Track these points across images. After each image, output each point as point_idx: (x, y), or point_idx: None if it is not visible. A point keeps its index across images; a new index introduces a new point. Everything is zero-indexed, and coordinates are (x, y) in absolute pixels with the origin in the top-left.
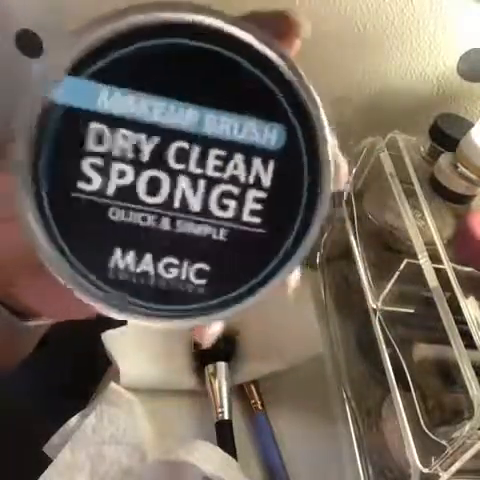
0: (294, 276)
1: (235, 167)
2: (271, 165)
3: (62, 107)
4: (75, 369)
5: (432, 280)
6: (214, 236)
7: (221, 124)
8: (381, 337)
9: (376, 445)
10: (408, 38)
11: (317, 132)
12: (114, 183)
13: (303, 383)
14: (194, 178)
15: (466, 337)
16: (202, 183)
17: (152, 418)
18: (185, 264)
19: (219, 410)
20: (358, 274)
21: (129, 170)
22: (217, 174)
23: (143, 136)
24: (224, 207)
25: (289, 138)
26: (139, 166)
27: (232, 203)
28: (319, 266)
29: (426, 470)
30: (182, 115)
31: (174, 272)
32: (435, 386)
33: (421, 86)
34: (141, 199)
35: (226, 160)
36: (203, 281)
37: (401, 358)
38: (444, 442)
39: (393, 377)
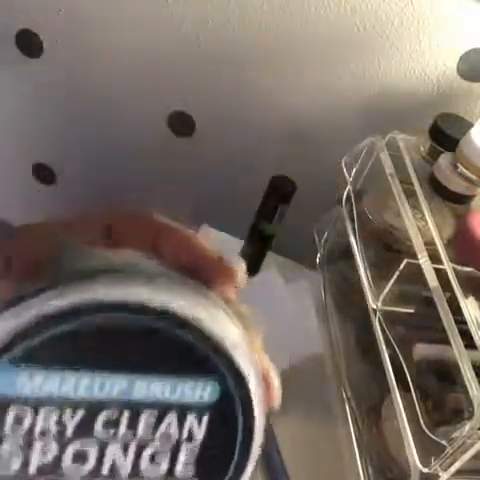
0: None
1: (168, 426)
2: (205, 419)
3: None
4: None
5: (432, 280)
6: None
7: (152, 388)
8: (381, 337)
9: (376, 445)
10: (408, 38)
11: (248, 384)
12: (36, 461)
13: (303, 383)
14: (124, 443)
15: (466, 337)
16: (133, 446)
17: None
18: None
19: None
20: (358, 274)
21: (53, 446)
22: (148, 435)
23: (67, 412)
24: (156, 465)
25: (222, 392)
26: (63, 441)
27: (164, 460)
28: (319, 266)
29: (426, 470)
30: (109, 385)
31: None
32: (435, 386)
33: (421, 86)
34: (66, 471)
35: (158, 421)
36: None
37: (401, 358)
38: (444, 442)
39: (393, 377)
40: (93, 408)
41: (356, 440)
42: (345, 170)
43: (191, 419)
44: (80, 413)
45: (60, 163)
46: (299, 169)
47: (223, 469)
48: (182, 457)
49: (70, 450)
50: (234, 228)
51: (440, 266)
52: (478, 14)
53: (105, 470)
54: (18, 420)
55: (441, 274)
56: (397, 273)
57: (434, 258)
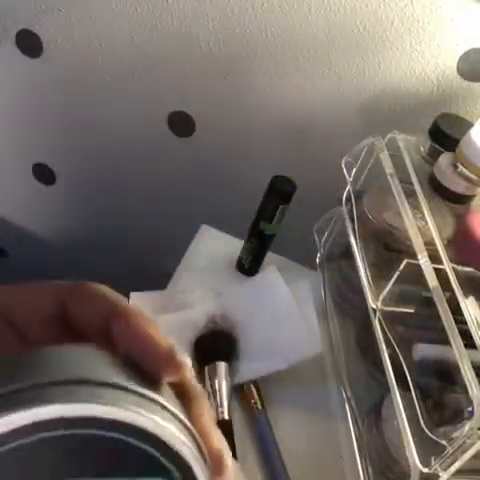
0: None
1: None
2: None
3: None
4: None
5: (432, 280)
6: None
7: None
8: (381, 337)
9: (376, 445)
10: (408, 38)
11: (193, 474)
12: None
13: (303, 383)
14: None
15: (466, 337)
16: None
17: None
18: None
19: (219, 410)
20: (358, 274)
21: None
22: None
23: None
24: None
25: None
26: None
27: None
28: (319, 266)
29: (426, 470)
30: None
31: None
32: (435, 386)
33: (421, 86)
34: None
35: None
36: None
37: (401, 358)
38: (444, 442)
39: (393, 377)
40: None
41: (356, 440)
42: (345, 170)
43: None
44: None
45: (60, 163)
46: (299, 169)
47: None
48: None
49: None
50: (234, 228)
51: (440, 266)
52: (478, 14)
53: None
54: None
55: (441, 274)
56: (397, 273)
57: (434, 258)
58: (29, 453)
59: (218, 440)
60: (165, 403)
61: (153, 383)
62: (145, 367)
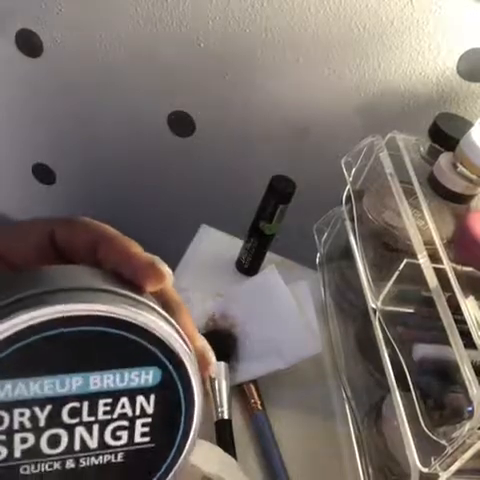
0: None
1: (122, 407)
2: (152, 397)
3: None
4: None
5: (432, 280)
6: (113, 460)
7: (104, 380)
8: (381, 337)
9: (376, 445)
10: (408, 38)
11: (184, 364)
12: (19, 449)
13: (303, 383)
14: (88, 425)
15: (466, 337)
16: (96, 427)
17: None
18: None
19: (219, 410)
20: (358, 274)
21: (30, 435)
22: (107, 416)
23: (37, 408)
24: (118, 437)
25: (163, 375)
26: (38, 430)
27: (124, 433)
28: (319, 266)
29: (426, 470)
30: (69, 384)
31: None
32: (435, 386)
33: (421, 86)
34: (45, 453)
35: (113, 404)
36: None
37: (401, 358)
38: (444, 442)
39: (393, 377)
40: (58, 402)
41: (356, 440)
42: (345, 170)
43: (140, 399)
44: (48, 408)
45: (60, 163)
46: (299, 169)
47: (172, 435)
48: (138, 429)
49: (45, 437)
50: (234, 228)
51: (440, 266)
52: (478, 14)
53: (77, 447)
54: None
55: (441, 274)
56: (397, 273)
57: (434, 258)
58: (36, 350)
59: (202, 340)
60: (156, 306)
61: (139, 292)
62: (130, 278)
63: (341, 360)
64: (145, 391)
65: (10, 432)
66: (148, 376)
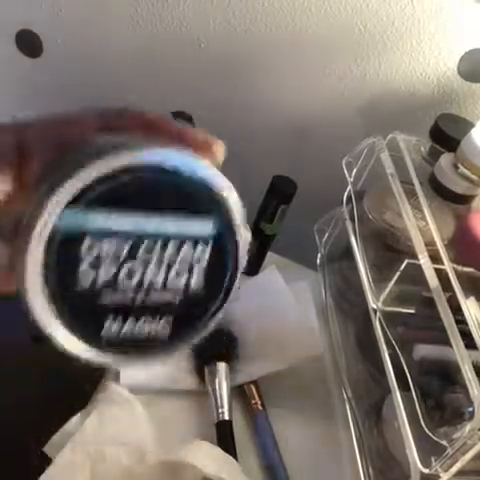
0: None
1: (185, 251)
2: (209, 245)
3: (63, 231)
4: (75, 369)
5: (432, 280)
6: (172, 300)
7: (176, 225)
8: (381, 337)
9: (376, 445)
10: (408, 38)
11: (236, 224)
12: (102, 275)
13: (303, 383)
14: (158, 263)
15: (466, 337)
16: (163, 266)
17: (152, 418)
18: (154, 321)
19: (219, 410)
20: (358, 274)
21: (113, 266)
22: (173, 259)
23: (121, 240)
24: (178, 280)
25: (218, 226)
26: (120, 261)
27: (184, 276)
28: (319, 266)
29: (426, 470)
30: (148, 223)
31: (147, 328)
32: (435, 386)
33: (422, 86)
34: (122, 283)
35: (179, 247)
36: (167, 329)
37: (401, 358)
38: (444, 442)
39: (393, 377)
40: (137, 239)
41: (356, 440)
42: (346, 170)
43: (200, 247)
44: (129, 242)
45: None
46: (300, 169)
47: (221, 279)
48: (195, 274)
49: (124, 269)
50: None
51: (441, 266)
52: (478, 14)
53: (146, 282)
54: (89, 247)
55: (441, 274)
56: (398, 273)
57: (434, 258)
58: (124, 190)
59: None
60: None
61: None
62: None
63: (341, 360)
64: (204, 239)
65: (98, 260)
66: (208, 226)
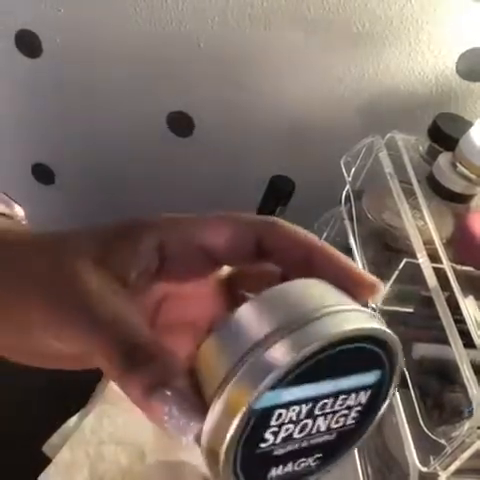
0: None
1: (350, 400)
2: (368, 391)
3: (259, 409)
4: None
5: (431, 280)
6: (329, 439)
7: (349, 381)
8: None
9: (375, 444)
10: (407, 38)
11: (397, 366)
12: (281, 436)
13: None
14: (326, 415)
15: (465, 336)
16: (329, 416)
17: None
18: (309, 458)
19: None
20: None
21: (291, 426)
22: (338, 408)
23: (303, 406)
24: (338, 422)
25: (382, 373)
26: (298, 422)
27: (342, 418)
28: None
29: (425, 469)
30: (327, 385)
31: (303, 465)
32: (434, 385)
33: (420, 86)
34: (294, 437)
35: (345, 399)
36: (317, 462)
37: None
38: (443, 441)
39: None
40: (315, 401)
41: None
42: (344, 170)
43: (362, 394)
44: (309, 404)
45: (60, 163)
46: (299, 169)
47: (373, 416)
48: (352, 414)
49: (300, 425)
50: None
51: (439, 265)
52: (477, 14)
53: (314, 430)
54: (278, 417)
55: (440, 273)
56: (396, 272)
57: (433, 257)
58: (319, 362)
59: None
60: (374, 314)
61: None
62: (349, 289)
63: None
64: (366, 387)
65: (280, 427)
66: (373, 376)
